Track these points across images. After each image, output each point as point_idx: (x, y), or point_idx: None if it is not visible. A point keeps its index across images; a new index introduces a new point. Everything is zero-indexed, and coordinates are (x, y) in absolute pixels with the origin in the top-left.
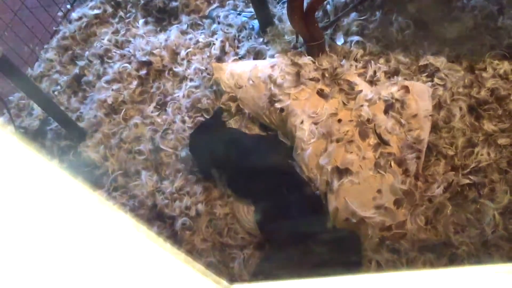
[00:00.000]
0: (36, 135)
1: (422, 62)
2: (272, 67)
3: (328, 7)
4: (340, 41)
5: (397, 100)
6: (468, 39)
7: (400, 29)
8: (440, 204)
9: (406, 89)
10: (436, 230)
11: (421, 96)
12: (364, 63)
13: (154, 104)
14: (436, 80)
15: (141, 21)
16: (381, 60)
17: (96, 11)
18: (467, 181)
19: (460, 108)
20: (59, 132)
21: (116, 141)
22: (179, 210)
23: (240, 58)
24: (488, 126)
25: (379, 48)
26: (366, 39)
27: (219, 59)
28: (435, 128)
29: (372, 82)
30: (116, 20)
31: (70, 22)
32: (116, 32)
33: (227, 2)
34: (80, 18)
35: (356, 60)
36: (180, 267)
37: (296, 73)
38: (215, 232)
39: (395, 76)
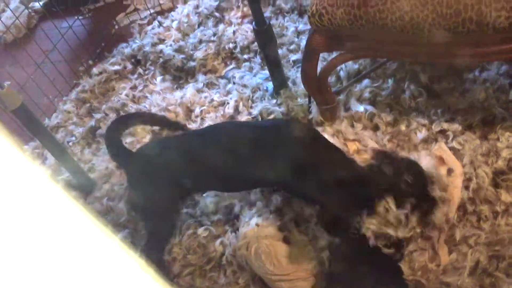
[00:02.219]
0: None
1: (436, 128)
2: None
3: (342, 73)
4: (356, 107)
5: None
6: (480, 110)
7: (413, 97)
8: None
9: (441, 160)
10: None
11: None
12: (391, 135)
13: None
14: (454, 144)
15: (158, 78)
16: (403, 127)
17: (116, 67)
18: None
19: (486, 174)
20: (70, 183)
21: (122, 192)
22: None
23: (253, 118)
24: (506, 197)
25: (393, 115)
26: (379, 106)
27: (233, 118)
28: None
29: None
30: (135, 76)
31: (90, 76)
32: (134, 87)
33: (243, 64)
34: (100, 73)
35: (383, 132)
36: None
37: None
38: None
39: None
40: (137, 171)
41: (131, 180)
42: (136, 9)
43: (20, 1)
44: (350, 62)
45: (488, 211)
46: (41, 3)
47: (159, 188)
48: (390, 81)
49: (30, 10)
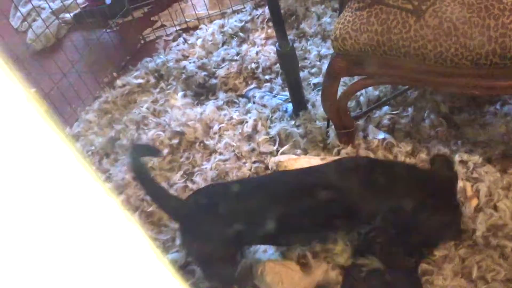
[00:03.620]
0: None
1: (457, 158)
2: (322, 159)
3: (362, 98)
4: (377, 134)
5: None
6: (500, 144)
7: (433, 126)
8: None
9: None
10: None
11: None
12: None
13: (181, 172)
14: (475, 174)
15: (180, 93)
16: (422, 155)
17: (139, 80)
18: None
19: (507, 207)
20: None
21: (137, 204)
22: None
23: (270, 138)
24: None
25: (412, 143)
26: (397, 133)
27: (250, 137)
28: None
29: None
30: (157, 90)
31: (114, 88)
32: (155, 101)
33: (264, 84)
34: (123, 85)
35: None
36: None
37: None
38: None
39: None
40: (192, 221)
41: (185, 231)
42: (162, 26)
43: (51, 12)
44: (370, 88)
45: (509, 247)
46: (71, 14)
47: (218, 240)
48: (410, 110)
49: (60, 21)
